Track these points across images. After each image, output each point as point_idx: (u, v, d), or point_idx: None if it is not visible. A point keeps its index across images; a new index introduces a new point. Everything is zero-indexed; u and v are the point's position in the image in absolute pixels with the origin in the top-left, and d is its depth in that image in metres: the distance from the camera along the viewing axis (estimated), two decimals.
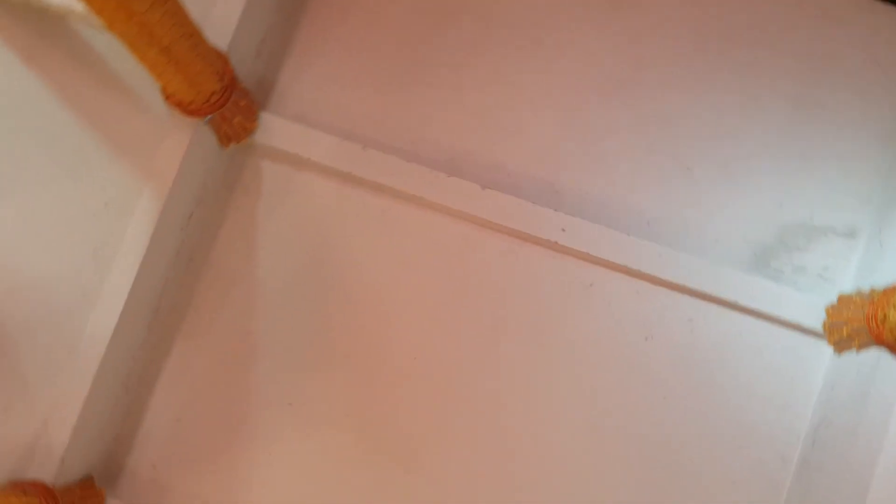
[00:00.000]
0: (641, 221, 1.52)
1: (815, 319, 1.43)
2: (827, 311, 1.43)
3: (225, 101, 1.46)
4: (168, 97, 1.42)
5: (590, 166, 1.56)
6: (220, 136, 1.52)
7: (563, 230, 1.50)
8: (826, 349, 1.45)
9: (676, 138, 1.55)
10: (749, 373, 1.47)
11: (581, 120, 1.58)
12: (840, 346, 1.43)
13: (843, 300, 1.42)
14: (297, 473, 1.50)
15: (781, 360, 1.46)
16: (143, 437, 1.53)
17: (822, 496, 1.33)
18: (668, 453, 1.46)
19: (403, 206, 1.57)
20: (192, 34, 1.29)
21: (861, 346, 1.39)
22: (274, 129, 1.55)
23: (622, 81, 1.58)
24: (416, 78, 1.61)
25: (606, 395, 1.48)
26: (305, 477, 1.50)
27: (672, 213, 1.53)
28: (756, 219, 1.52)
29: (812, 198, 1.51)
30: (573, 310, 1.51)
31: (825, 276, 1.50)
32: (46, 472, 1.37)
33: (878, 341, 1.32)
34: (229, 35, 1.45)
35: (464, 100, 1.60)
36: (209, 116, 1.46)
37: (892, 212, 1.45)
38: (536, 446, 1.48)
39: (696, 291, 1.47)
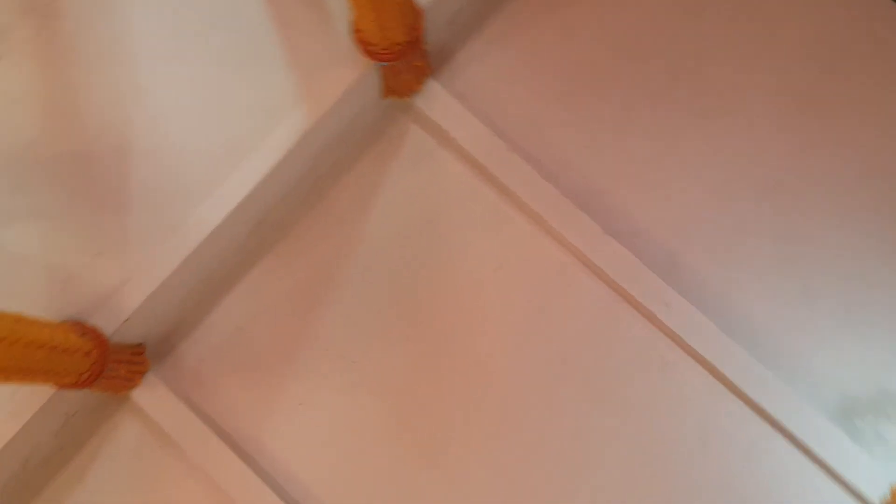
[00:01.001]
0: (745, 327, 1.49)
1: (877, 492, 1.38)
2: (893, 489, 1.38)
3: (404, 54, 1.46)
4: (356, 31, 1.43)
5: (717, 255, 1.53)
6: (385, 85, 1.53)
7: (667, 305, 1.47)
8: None
9: (811, 262, 1.51)
10: None
11: (726, 207, 1.55)
12: None
13: None
14: (326, 426, 1.52)
15: None
16: (202, 330, 1.56)
17: None
18: None
19: (521, 217, 1.56)
20: None
21: None
22: (434, 99, 1.56)
23: (782, 186, 1.54)
24: (585, 104, 1.60)
25: (645, 479, 1.46)
26: (332, 433, 1.51)
27: (778, 331, 1.49)
28: (859, 370, 1.47)
29: None
30: (642, 381, 1.49)
31: None
32: (108, 325, 1.41)
33: None
34: None
35: (623, 141, 1.58)
36: (383, 64, 1.47)
37: None
38: (561, 491, 1.47)
39: (769, 416, 1.43)
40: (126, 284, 1.42)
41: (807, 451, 1.42)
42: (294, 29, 1.51)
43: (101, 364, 1.39)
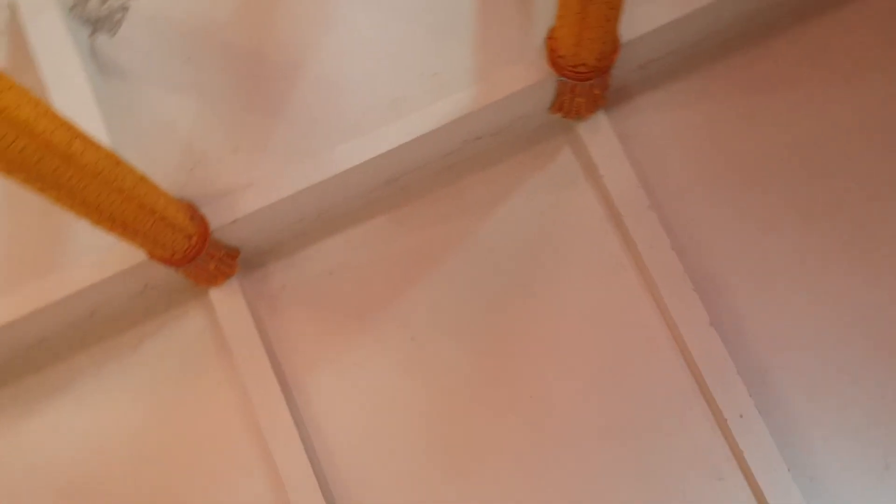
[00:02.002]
0: (810, 470, 1.43)
1: None
2: None
3: (587, 78, 1.45)
4: (551, 38, 1.43)
5: (811, 389, 1.47)
6: (558, 100, 1.53)
7: (741, 417, 1.42)
8: None
9: None
10: None
11: (839, 347, 1.49)
12: None
13: None
14: (369, 396, 1.52)
15: None
16: (296, 260, 1.58)
17: None
18: None
19: (634, 275, 1.53)
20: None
21: None
22: (598, 131, 1.54)
23: None
24: (741, 192, 1.57)
25: None
26: (372, 405, 1.52)
27: (843, 492, 1.42)
28: None
29: None
30: (689, 482, 1.44)
31: None
32: (216, 219, 1.44)
33: None
34: (641, 31, 1.44)
35: (763, 242, 1.54)
36: (564, 79, 1.46)
37: None
38: None
39: None
40: (248, 188, 1.45)
41: None
42: (495, 14, 1.52)
43: (196, 251, 1.41)
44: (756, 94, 1.61)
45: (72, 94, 1.42)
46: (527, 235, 1.56)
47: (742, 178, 1.57)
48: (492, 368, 1.52)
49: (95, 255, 1.42)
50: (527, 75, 1.47)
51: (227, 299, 1.51)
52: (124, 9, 1.47)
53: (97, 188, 1.16)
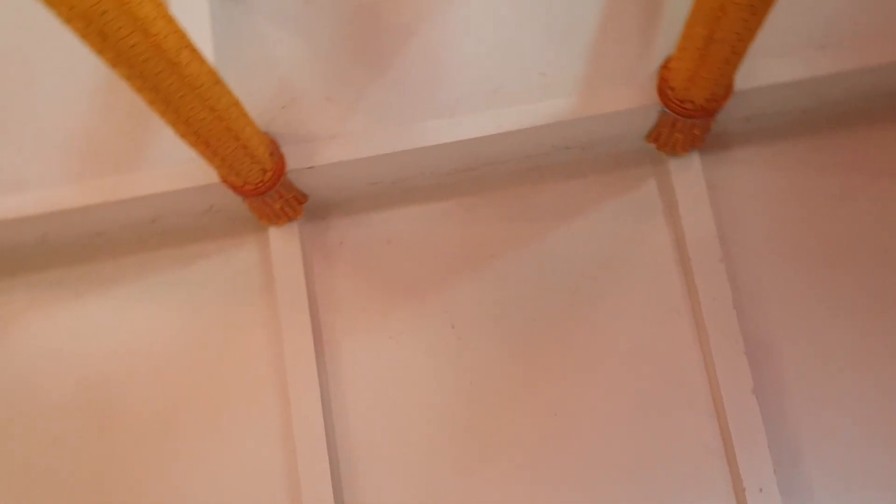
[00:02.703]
0: None
1: None
2: None
3: (691, 115, 1.43)
4: (665, 66, 1.41)
5: (841, 485, 1.42)
6: (656, 130, 1.51)
7: (760, 490, 1.39)
8: None
9: None
10: None
11: (881, 451, 1.43)
12: None
13: None
14: (397, 373, 1.52)
15: None
16: (359, 221, 1.59)
17: None
18: None
19: (688, 322, 1.51)
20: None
21: None
22: (688, 170, 1.53)
23: None
24: (818, 269, 1.53)
25: None
26: (398, 383, 1.52)
27: None
28: None
29: None
30: None
31: None
32: (294, 161, 1.45)
33: None
34: (758, 83, 1.41)
35: (829, 326, 1.49)
36: (666, 110, 1.44)
37: None
38: None
39: None
40: (332, 140, 1.45)
41: None
42: (616, 29, 1.49)
43: (267, 187, 1.43)
44: (854, 176, 1.56)
45: (190, 5, 1.44)
46: (591, 256, 1.54)
47: (819, 256, 1.53)
48: (523, 377, 1.50)
49: (171, 166, 1.44)
50: (632, 98, 1.45)
51: (284, 241, 1.52)
52: None
53: (192, 101, 1.17)
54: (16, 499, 1.50)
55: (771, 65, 1.44)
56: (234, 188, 1.42)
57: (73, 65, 1.50)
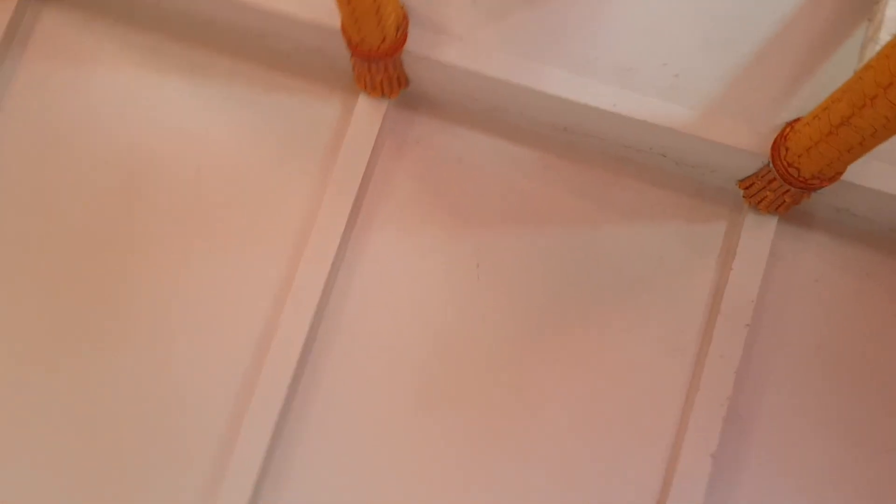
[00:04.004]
0: None
1: None
2: None
3: (790, 181, 1.42)
4: (790, 126, 1.40)
5: None
6: (752, 179, 1.50)
7: None
8: None
9: None
10: None
11: None
12: None
13: None
14: (412, 289, 1.55)
15: None
16: (443, 126, 1.60)
17: None
18: None
19: (686, 365, 1.52)
20: None
21: None
22: (759, 229, 1.53)
23: None
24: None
25: None
26: (411, 298, 1.55)
27: None
28: None
29: None
30: None
31: None
32: (414, 43, 1.46)
33: None
34: (865, 182, 1.42)
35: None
36: (769, 164, 1.42)
37: None
38: None
39: None
40: (460, 41, 1.45)
41: None
42: (767, 67, 1.47)
43: (379, 55, 1.43)
44: None
45: None
46: (632, 265, 1.55)
47: (840, 372, 1.53)
48: (519, 341, 1.53)
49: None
50: (747, 139, 1.44)
51: (368, 112, 1.54)
52: None
53: None
54: (44, 245, 1.55)
55: (886, 171, 1.43)
56: (349, 42, 1.42)
57: None
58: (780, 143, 1.41)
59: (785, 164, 1.41)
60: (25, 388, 1.50)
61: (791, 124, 1.41)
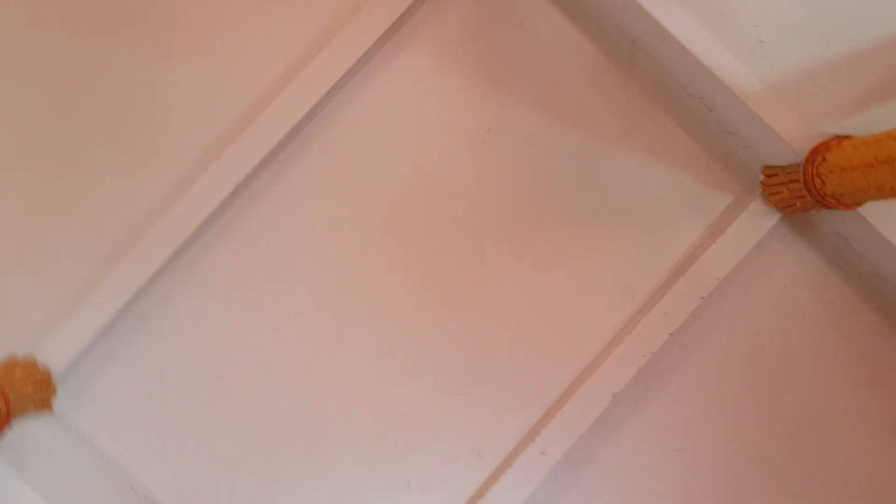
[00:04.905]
0: None
1: None
2: None
3: (814, 194, 1.41)
4: (832, 146, 1.37)
5: None
6: (775, 178, 1.47)
7: (542, 453, 1.51)
8: None
9: None
10: None
11: None
12: None
13: None
14: (405, 126, 1.53)
15: None
16: None
17: None
18: None
19: (632, 308, 1.55)
20: None
21: None
22: (756, 218, 1.51)
23: None
24: None
25: None
26: (397, 135, 1.53)
27: None
28: None
29: None
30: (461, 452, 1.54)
31: None
32: None
33: None
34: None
35: None
36: (800, 176, 1.41)
37: None
38: None
39: None
40: None
41: None
42: (848, 72, 1.43)
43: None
44: (850, 368, 1.59)
45: None
46: (628, 193, 1.55)
47: (762, 381, 1.58)
48: (491, 214, 1.54)
49: None
50: (793, 133, 1.42)
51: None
52: None
53: None
54: None
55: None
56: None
57: None
58: (820, 151, 1.38)
59: (814, 171, 1.38)
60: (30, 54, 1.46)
61: (840, 139, 1.37)
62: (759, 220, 1.51)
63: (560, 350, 1.55)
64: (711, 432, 1.59)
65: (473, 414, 1.54)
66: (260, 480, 1.49)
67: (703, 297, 1.51)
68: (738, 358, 1.57)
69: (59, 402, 1.43)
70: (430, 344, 1.54)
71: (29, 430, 1.36)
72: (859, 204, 1.38)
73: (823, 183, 1.38)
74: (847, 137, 1.38)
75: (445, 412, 1.54)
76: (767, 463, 1.59)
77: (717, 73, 1.39)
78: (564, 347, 1.55)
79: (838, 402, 1.58)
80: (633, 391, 1.53)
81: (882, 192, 1.28)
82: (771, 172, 1.49)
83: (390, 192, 1.52)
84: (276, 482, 1.50)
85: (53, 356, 1.40)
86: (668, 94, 1.53)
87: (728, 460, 1.59)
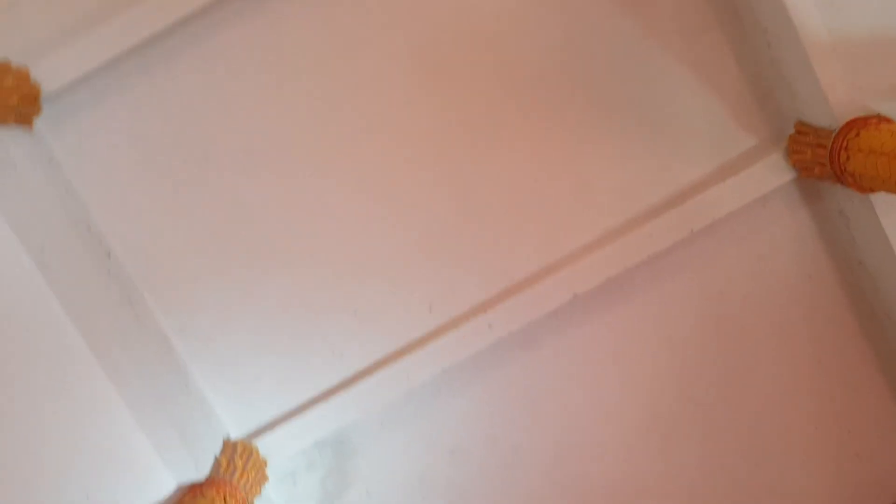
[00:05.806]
0: None
1: None
2: None
3: (836, 167, 1.39)
4: (874, 122, 1.34)
5: None
6: (807, 136, 1.45)
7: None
8: None
9: None
10: None
11: None
12: None
13: None
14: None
15: None
16: None
17: None
18: None
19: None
20: None
21: None
22: (774, 172, 1.49)
23: None
24: None
25: None
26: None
27: None
28: None
29: None
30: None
31: None
32: None
33: None
34: None
35: None
36: (832, 143, 1.38)
37: None
38: None
39: None
40: None
41: None
42: None
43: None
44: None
45: None
46: (647, 99, 1.51)
47: (711, 340, 1.61)
48: (508, 101, 1.50)
49: None
50: (837, 99, 1.39)
51: None
52: None
53: None
54: None
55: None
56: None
57: None
58: (856, 125, 1.36)
59: (844, 143, 1.37)
60: None
61: (880, 119, 1.35)
62: (773, 174, 1.49)
63: (539, 237, 1.55)
64: (649, 359, 1.62)
65: (437, 269, 1.54)
66: (215, 263, 1.50)
67: (692, 231, 1.50)
68: (702, 299, 1.59)
69: (39, 123, 1.40)
70: (417, 190, 1.52)
71: (2, 139, 1.33)
72: (873, 190, 1.38)
73: (848, 158, 1.36)
74: (888, 121, 1.36)
75: (411, 259, 1.54)
76: (693, 403, 1.64)
77: (791, 13, 1.34)
78: (544, 235, 1.55)
79: (779, 368, 1.62)
80: (595, 298, 1.54)
81: None
82: (804, 129, 1.46)
83: (427, 23, 1.46)
84: (230, 268, 1.50)
85: (48, 76, 1.35)
86: (733, 15, 1.48)
87: (654, 388, 1.64)
